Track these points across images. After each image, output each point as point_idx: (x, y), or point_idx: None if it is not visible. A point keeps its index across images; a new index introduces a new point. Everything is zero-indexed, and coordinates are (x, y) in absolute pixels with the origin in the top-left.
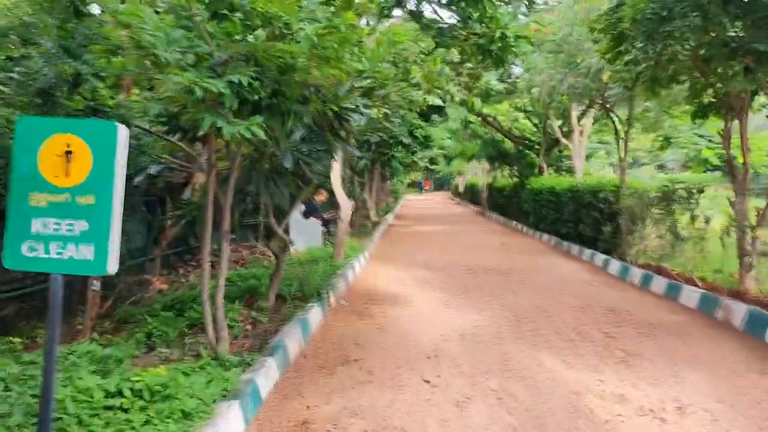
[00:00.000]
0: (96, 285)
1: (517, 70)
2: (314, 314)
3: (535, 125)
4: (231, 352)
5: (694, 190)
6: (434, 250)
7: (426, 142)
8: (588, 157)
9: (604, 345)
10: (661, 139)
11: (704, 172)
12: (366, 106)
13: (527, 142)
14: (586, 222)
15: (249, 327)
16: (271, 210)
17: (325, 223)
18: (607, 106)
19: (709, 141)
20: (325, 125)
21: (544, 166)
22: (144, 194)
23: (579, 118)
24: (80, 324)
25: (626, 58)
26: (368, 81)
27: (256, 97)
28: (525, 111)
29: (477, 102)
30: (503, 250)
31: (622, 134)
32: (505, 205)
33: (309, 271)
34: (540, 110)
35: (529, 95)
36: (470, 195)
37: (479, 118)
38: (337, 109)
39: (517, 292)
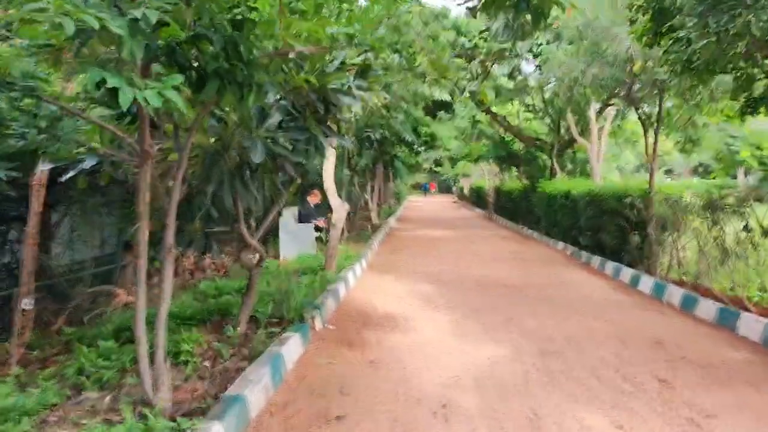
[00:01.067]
0: (28, 303)
1: (527, 68)
2: (292, 346)
3: (547, 125)
4: (174, 402)
5: (750, 198)
6: (439, 259)
7: (431, 141)
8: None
9: (662, 399)
10: (682, 140)
11: (731, 177)
12: (360, 88)
13: (538, 142)
14: (608, 231)
15: (208, 363)
16: (242, 215)
17: (319, 228)
18: (634, 100)
19: (743, 141)
20: (307, 109)
21: (557, 168)
22: (103, 194)
23: (598, 116)
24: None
25: (673, 36)
26: (362, 57)
27: (192, 56)
28: (536, 110)
29: (490, 94)
30: (515, 259)
31: (650, 132)
32: (514, 209)
33: (292, 287)
34: (558, 105)
35: (542, 92)
36: (476, 198)
37: (488, 117)
38: (321, 89)
39: (538, 313)
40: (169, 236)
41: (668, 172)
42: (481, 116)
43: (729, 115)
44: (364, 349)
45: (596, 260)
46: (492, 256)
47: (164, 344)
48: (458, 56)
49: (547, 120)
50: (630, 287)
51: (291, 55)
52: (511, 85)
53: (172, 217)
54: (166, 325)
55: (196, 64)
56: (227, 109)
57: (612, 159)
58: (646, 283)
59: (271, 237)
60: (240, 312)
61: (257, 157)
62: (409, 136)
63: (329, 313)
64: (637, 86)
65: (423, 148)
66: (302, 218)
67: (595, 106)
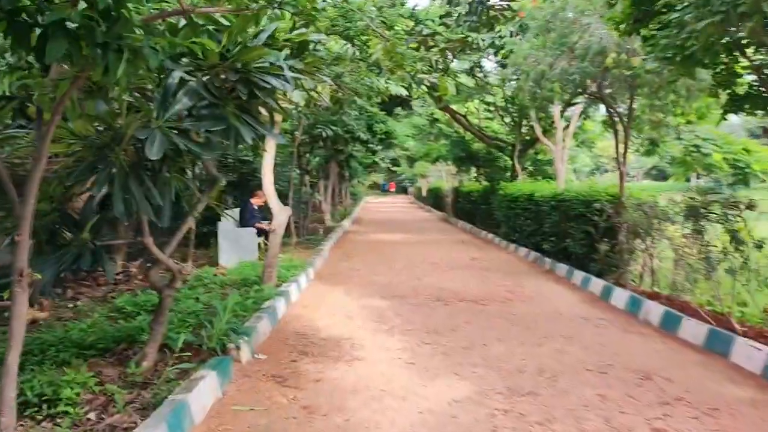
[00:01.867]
0: None
1: (487, 65)
2: (205, 388)
3: (507, 124)
4: None
5: (741, 205)
6: (395, 267)
7: (387, 139)
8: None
9: None
10: (645, 141)
11: (687, 180)
12: (294, 70)
13: (499, 143)
14: (574, 237)
15: (93, 415)
16: (146, 224)
17: (262, 232)
18: (605, 97)
19: (713, 144)
20: (225, 93)
21: (519, 169)
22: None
23: (562, 114)
24: None
25: (661, 20)
26: (296, 32)
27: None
28: (497, 108)
29: (450, 87)
30: (476, 267)
31: (621, 132)
32: (473, 211)
33: (217, 306)
34: (521, 102)
35: (503, 90)
36: (434, 199)
37: (446, 115)
38: (243, 68)
39: (505, 336)
40: (21, 257)
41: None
42: (440, 114)
43: (701, 115)
44: (299, 388)
45: (562, 268)
46: (451, 263)
47: (13, 406)
48: (416, 45)
49: (508, 119)
50: (601, 300)
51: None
52: (471, 83)
53: (24, 230)
54: (14, 381)
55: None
56: (118, 89)
57: (569, 161)
58: (620, 296)
59: (212, 242)
60: (147, 342)
61: (153, 151)
62: (363, 134)
63: (262, 337)
64: (607, 81)
65: (379, 146)
66: (244, 222)
67: (558, 105)
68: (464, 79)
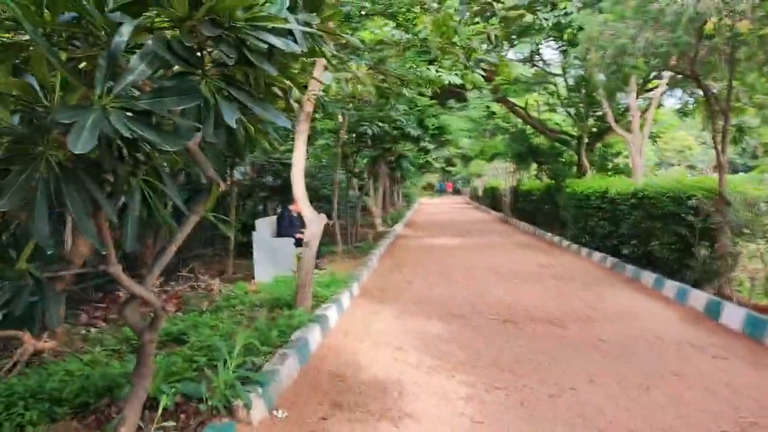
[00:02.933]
0: None
1: (548, 53)
2: None
3: (573, 115)
4: None
5: None
6: (452, 278)
7: (441, 135)
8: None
9: None
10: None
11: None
12: (308, 25)
13: (564, 136)
14: (663, 240)
15: None
16: (111, 247)
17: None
18: (698, 75)
19: None
20: (200, 59)
21: (586, 164)
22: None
23: (638, 97)
24: None
25: None
26: None
27: None
28: (559, 97)
29: (513, 70)
30: (546, 276)
31: (717, 117)
32: (534, 211)
33: (222, 346)
34: (595, 85)
35: (565, 79)
36: (490, 199)
37: (504, 108)
38: (225, 22)
39: (598, 375)
40: None
41: (690, 167)
42: (496, 108)
43: None
44: None
45: (648, 276)
46: (516, 272)
47: None
48: (472, 18)
49: (572, 110)
50: (707, 318)
51: None
52: (530, 72)
53: None
54: None
55: None
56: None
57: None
58: (733, 314)
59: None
60: (127, 400)
61: (80, 141)
62: (413, 130)
63: (286, 382)
64: (702, 54)
65: (432, 144)
66: (281, 231)
67: (634, 90)
68: (522, 69)
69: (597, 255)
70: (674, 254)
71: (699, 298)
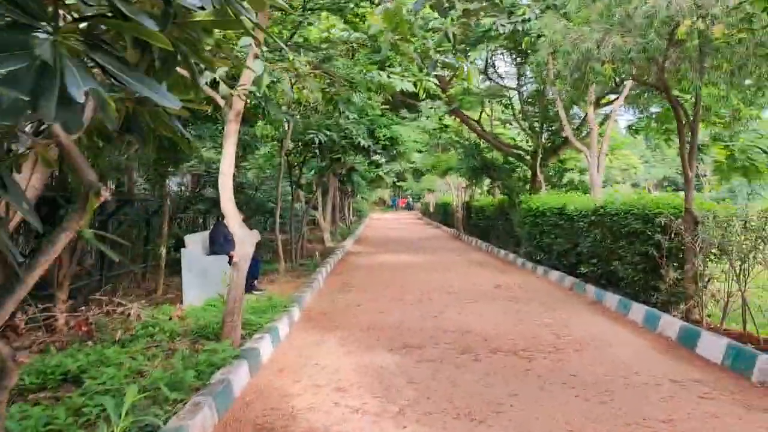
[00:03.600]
0: None
1: (502, 67)
2: None
3: (527, 129)
4: None
5: None
6: (405, 299)
7: (392, 146)
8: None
9: None
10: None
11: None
12: None
13: (518, 151)
14: (626, 259)
15: None
16: None
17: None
18: (666, 83)
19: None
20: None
21: (541, 179)
22: None
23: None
24: None
25: None
26: None
27: None
28: (513, 110)
29: (474, 75)
30: (503, 297)
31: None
32: (487, 228)
33: (111, 405)
34: (555, 95)
35: (520, 93)
36: (442, 215)
37: (457, 121)
38: None
39: (573, 424)
40: None
41: (634, 185)
42: (449, 121)
43: None
44: None
45: (611, 299)
46: (473, 292)
47: None
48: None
49: (526, 124)
50: (682, 347)
51: None
52: (483, 85)
53: None
54: None
55: None
56: None
57: (578, 172)
58: (712, 344)
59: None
60: None
61: None
62: (364, 140)
63: None
64: (671, 60)
65: (383, 157)
66: (216, 248)
67: (592, 103)
68: (475, 81)
69: (554, 274)
70: (639, 275)
71: (671, 324)
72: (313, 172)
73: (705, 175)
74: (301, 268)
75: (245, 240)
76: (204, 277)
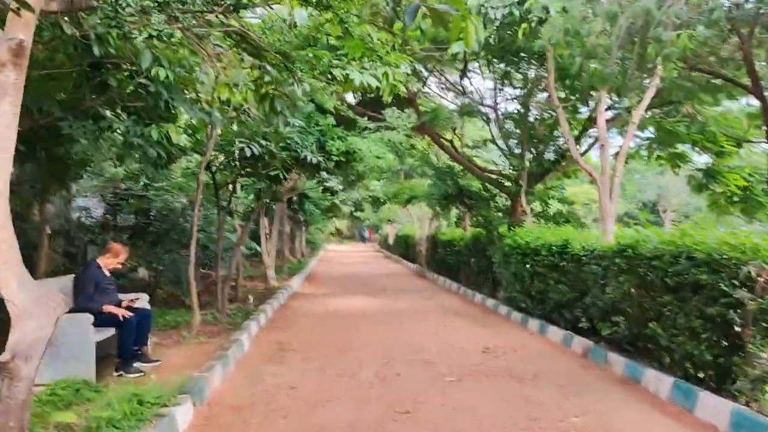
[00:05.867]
0: None
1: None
2: None
3: (508, 150)
4: None
5: None
6: (360, 378)
7: (348, 162)
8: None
9: None
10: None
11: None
12: None
13: (499, 177)
14: (677, 323)
15: None
16: None
17: (114, 321)
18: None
19: None
20: None
21: (527, 209)
22: None
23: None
24: None
25: None
26: None
27: None
28: (489, 129)
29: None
30: (498, 370)
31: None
32: (457, 265)
33: None
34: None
35: (497, 112)
36: (403, 248)
37: (425, 141)
38: None
39: None
40: None
41: (596, 221)
42: (418, 141)
43: None
44: None
45: (659, 381)
46: (453, 360)
47: None
48: None
49: (505, 144)
50: None
51: None
52: (454, 105)
53: None
54: None
55: None
56: None
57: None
58: None
59: None
60: None
61: None
62: (312, 155)
63: None
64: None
65: (335, 177)
66: (81, 301)
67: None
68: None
69: (554, 331)
70: (701, 347)
71: None
72: (251, 197)
73: None
74: (228, 319)
75: (34, 312)
76: (55, 346)
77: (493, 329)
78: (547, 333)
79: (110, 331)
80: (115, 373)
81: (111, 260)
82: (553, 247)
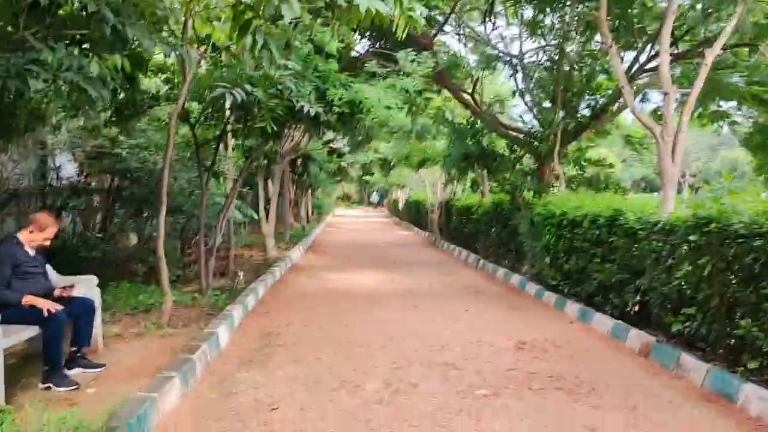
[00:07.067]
0: None
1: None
2: None
3: (535, 108)
4: None
5: None
6: (364, 391)
7: (354, 114)
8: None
9: None
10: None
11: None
12: None
13: (524, 136)
14: None
15: None
16: None
17: (39, 317)
18: None
19: None
20: None
21: (560, 172)
22: None
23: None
24: None
25: None
26: None
27: None
28: (515, 81)
29: None
30: (543, 378)
31: None
32: (474, 234)
33: None
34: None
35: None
36: (414, 215)
37: (443, 96)
38: None
39: None
40: None
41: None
42: (436, 97)
43: None
44: None
45: (758, 396)
46: (482, 363)
47: None
48: None
49: (535, 98)
50: None
51: None
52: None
53: None
54: None
55: None
56: None
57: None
58: None
59: None
60: None
61: None
62: (310, 104)
63: None
64: None
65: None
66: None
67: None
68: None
69: (599, 319)
70: None
71: None
72: (244, 157)
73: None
74: (212, 300)
75: None
76: None
77: (524, 314)
78: (590, 321)
79: (32, 331)
80: (41, 386)
81: (36, 235)
82: (600, 219)
